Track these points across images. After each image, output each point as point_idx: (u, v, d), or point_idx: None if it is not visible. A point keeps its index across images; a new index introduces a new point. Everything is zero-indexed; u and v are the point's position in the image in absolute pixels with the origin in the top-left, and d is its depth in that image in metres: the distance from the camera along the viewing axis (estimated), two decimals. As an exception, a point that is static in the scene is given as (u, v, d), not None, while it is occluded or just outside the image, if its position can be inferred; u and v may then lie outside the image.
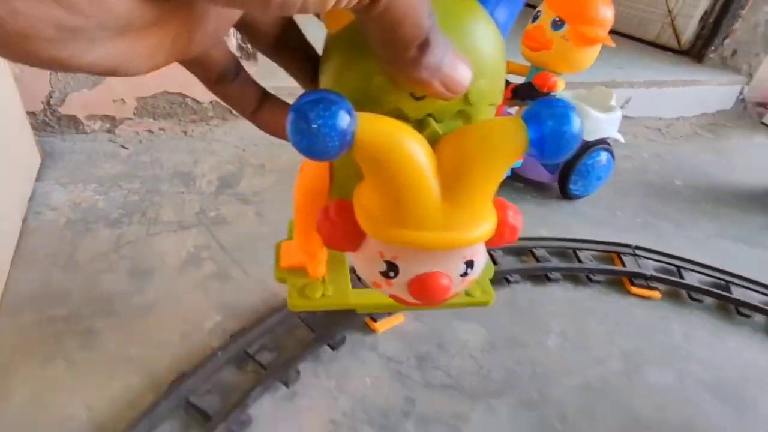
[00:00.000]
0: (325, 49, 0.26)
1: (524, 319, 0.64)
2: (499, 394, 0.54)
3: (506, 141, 0.22)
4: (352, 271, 0.30)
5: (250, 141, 0.95)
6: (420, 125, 0.24)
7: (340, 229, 0.25)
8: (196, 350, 0.53)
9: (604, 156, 0.89)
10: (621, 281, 0.73)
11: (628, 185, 1.03)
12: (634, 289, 0.71)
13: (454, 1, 0.24)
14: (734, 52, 1.49)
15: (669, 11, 1.59)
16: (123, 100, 0.87)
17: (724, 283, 0.73)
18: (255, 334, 0.53)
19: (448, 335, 0.60)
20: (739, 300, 0.70)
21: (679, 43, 1.60)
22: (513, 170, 0.91)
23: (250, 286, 0.62)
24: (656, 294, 0.70)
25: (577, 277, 0.72)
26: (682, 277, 0.73)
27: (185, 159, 0.87)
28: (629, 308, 0.69)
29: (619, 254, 0.76)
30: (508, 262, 0.71)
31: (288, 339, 0.55)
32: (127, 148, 0.87)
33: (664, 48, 1.65)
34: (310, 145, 0.19)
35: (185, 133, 0.94)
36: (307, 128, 0.19)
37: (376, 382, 0.53)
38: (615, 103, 0.89)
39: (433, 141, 0.24)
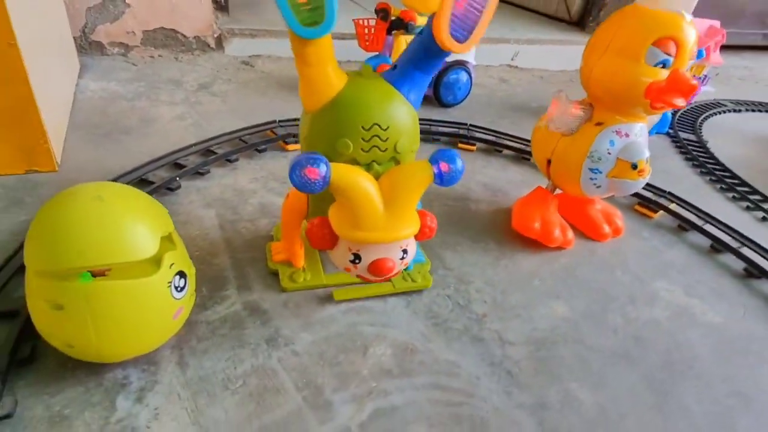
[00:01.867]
0: (305, 124, 0.52)
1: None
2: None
3: (420, 175, 0.46)
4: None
5: (222, 65, 1.35)
6: (368, 167, 0.49)
7: (322, 234, 0.47)
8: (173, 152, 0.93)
9: (463, 75, 1.29)
10: (456, 142, 1.13)
11: (495, 104, 1.44)
12: (461, 146, 1.11)
13: (382, 93, 0.51)
14: (606, 21, 1.91)
15: (562, -10, 2.01)
16: (133, 32, 1.27)
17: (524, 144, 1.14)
18: (214, 142, 0.94)
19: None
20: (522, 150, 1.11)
21: (569, 15, 2.01)
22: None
23: (211, 129, 1.02)
24: (473, 148, 1.11)
25: (428, 138, 1.12)
26: (496, 144, 1.14)
27: (176, 73, 1.27)
28: (455, 155, 1.09)
29: (458, 128, 1.17)
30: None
31: (230, 144, 0.95)
32: (136, 65, 1.28)
33: (560, 20, 2.06)
34: (304, 186, 0.41)
35: (176, 59, 1.34)
36: (302, 176, 0.40)
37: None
38: (471, 39, 1.29)
39: (376, 176, 0.46)
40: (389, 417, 0.50)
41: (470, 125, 1.18)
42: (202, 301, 0.60)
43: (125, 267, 0.43)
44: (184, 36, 1.32)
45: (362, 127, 0.50)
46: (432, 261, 0.73)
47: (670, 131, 1.41)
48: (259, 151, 0.95)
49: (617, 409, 0.55)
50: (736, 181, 1.13)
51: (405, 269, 0.67)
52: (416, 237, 0.50)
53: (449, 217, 0.85)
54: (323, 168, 0.42)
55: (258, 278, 0.65)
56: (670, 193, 1.00)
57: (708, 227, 0.91)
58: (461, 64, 1.28)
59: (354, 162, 0.51)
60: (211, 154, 0.90)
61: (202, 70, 1.31)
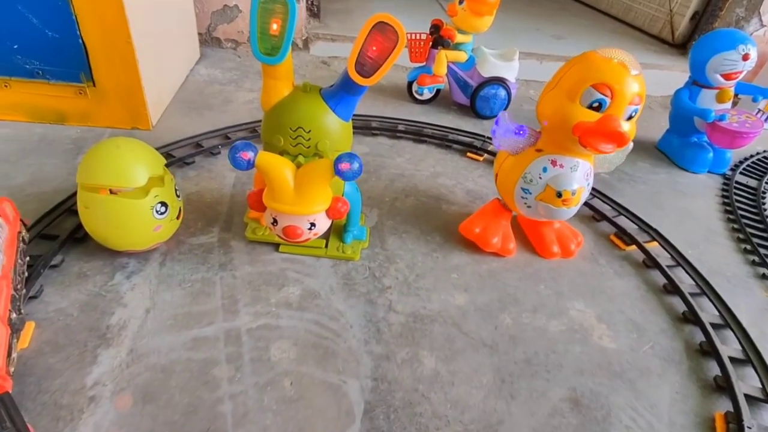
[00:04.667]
0: (263, 120, 0.74)
1: (407, 157, 1.21)
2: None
3: (323, 169, 0.65)
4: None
5: (304, 63, 1.63)
6: (294, 158, 0.71)
7: (257, 200, 0.70)
8: (227, 127, 1.22)
9: (501, 91, 1.38)
10: (467, 151, 1.24)
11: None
12: (469, 154, 1.22)
13: (310, 104, 0.70)
14: (711, 47, 1.74)
15: (670, 10, 1.88)
16: (243, 31, 1.62)
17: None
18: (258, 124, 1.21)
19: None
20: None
21: (673, 37, 1.88)
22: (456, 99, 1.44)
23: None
24: (480, 158, 1.21)
25: (442, 144, 1.26)
26: (508, 157, 1.22)
27: (266, 66, 1.59)
28: (462, 162, 1.21)
29: (475, 139, 1.27)
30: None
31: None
32: (240, 58, 1.63)
33: (662, 41, 1.94)
34: (235, 164, 0.64)
35: (271, 54, 1.67)
36: (233, 157, 0.64)
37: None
38: (516, 58, 1.36)
39: (299, 165, 0.67)
40: (270, 330, 0.70)
41: (487, 137, 1.28)
42: (194, 231, 0.87)
43: (133, 192, 0.70)
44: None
45: (290, 128, 0.70)
46: (374, 241, 0.90)
47: (727, 173, 1.30)
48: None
49: (451, 378, 0.67)
50: None
51: (343, 242, 0.86)
52: (328, 214, 0.68)
53: (415, 210, 1.00)
54: (251, 153, 0.62)
55: (238, 225, 0.89)
56: (656, 231, 1.00)
57: (677, 271, 0.90)
58: (500, 81, 1.36)
59: (284, 153, 0.70)
60: (255, 133, 1.17)
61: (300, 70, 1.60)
